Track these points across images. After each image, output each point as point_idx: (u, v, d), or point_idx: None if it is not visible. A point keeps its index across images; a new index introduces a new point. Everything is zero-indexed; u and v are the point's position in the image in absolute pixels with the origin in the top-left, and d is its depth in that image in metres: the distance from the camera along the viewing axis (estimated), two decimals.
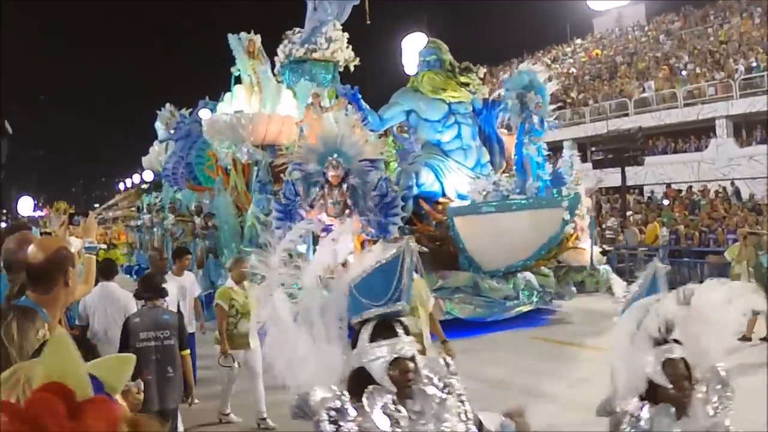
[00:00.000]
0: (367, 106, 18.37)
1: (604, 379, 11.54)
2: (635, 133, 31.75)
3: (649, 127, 37.95)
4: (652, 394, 3.71)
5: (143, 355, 7.05)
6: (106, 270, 8.83)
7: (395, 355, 3.30)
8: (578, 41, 59.42)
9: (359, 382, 3.31)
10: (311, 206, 16.43)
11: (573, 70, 50.79)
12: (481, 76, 20.39)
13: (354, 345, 3.41)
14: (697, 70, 39.59)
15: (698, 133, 38.92)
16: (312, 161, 16.49)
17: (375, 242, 16.21)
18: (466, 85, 19.17)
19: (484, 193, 16.79)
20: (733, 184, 33.77)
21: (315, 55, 22.09)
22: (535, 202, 16.28)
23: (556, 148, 22.52)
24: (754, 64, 36.75)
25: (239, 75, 20.50)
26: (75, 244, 4.85)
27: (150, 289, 7.75)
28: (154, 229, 25.18)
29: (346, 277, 3.56)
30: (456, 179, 18.27)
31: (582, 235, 18.51)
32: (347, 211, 16.36)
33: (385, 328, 3.38)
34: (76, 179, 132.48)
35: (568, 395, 10.96)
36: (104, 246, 25.19)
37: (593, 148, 34.71)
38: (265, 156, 18.72)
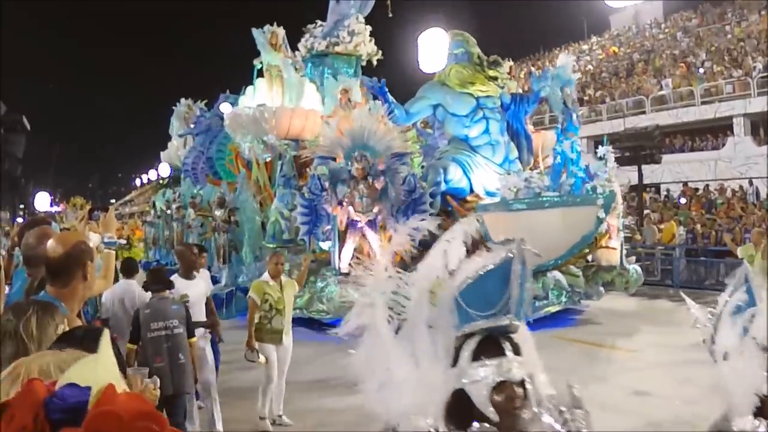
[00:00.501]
0: (394, 100, 17.63)
1: (622, 379, 10.80)
2: (652, 131, 31.12)
3: (666, 125, 37.02)
4: (766, 408, 3.16)
5: (155, 344, 7.44)
6: (128, 268, 9.18)
7: (501, 378, 2.68)
8: (595, 38, 58.59)
9: (458, 406, 2.74)
10: (340, 204, 15.73)
11: (590, 67, 49.96)
12: (507, 70, 19.60)
13: (455, 363, 2.79)
14: (715, 68, 38.79)
15: (715, 132, 38.20)
16: (338, 155, 15.81)
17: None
18: (495, 79, 18.41)
19: (515, 189, 16.02)
20: (751, 183, 33.04)
21: (337, 49, 21.39)
22: (569, 200, 15.52)
23: None
24: None
25: (261, 68, 19.76)
26: (93, 239, 4.74)
27: (158, 281, 8.03)
28: (174, 224, 24.45)
29: (454, 284, 2.89)
30: (484, 175, 17.52)
31: (613, 233, 17.70)
32: (376, 208, 15.66)
33: (491, 346, 2.76)
34: (92, 175, 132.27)
35: (586, 395, 10.36)
36: (124, 241, 24.52)
37: (610, 146, 33.95)
38: (290, 149, 18.01)
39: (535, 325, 15.61)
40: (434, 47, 20.29)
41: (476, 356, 2.74)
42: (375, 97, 18.07)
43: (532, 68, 48.13)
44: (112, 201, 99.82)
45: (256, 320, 9.16)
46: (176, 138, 29.97)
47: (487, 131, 17.89)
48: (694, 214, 26.23)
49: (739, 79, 36.86)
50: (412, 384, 2.82)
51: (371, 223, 15.83)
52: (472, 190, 17.36)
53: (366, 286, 3.19)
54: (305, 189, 16.45)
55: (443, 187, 16.86)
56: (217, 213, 19.11)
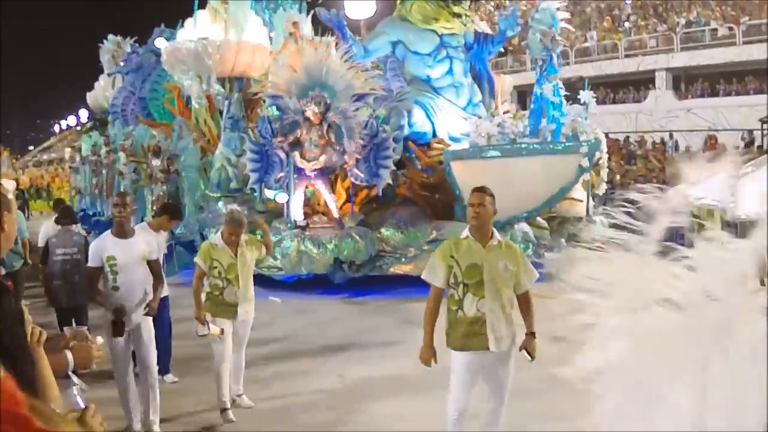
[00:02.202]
0: (352, 35, 15.02)
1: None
2: (575, 82, 29.92)
3: (590, 77, 35.69)
4: None
5: (59, 266, 8.67)
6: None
7: None
8: None
9: None
10: (292, 147, 13.34)
11: None
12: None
13: None
14: (640, 22, 37.53)
15: (638, 85, 37.37)
16: (292, 94, 13.34)
17: (366, 188, 13.12)
18: (459, 16, 16.02)
19: (488, 135, 13.79)
20: (671, 136, 32.27)
21: None
22: (550, 147, 13.36)
23: None
24: (695, 19, 35.00)
25: None
26: (8, 188, 4.47)
27: (66, 217, 9.34)
28: (103, 171, 21.35)
29: None
30: (448, 119, 15.23)
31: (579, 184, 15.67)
32: (323, 156, 13.29)
33: None
34: (9, 121, 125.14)
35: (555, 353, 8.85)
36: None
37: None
38: (234, 90, 15.35)
39: None
40: None
41: None
42: (330, 32, 15.46)
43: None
44: (31, 148, 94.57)
45: (207, 289, 7.10)
46: (103, 78, 26.49)
47: (450, 72, 15.57)
48: (614, 165, 24.94)
49: (663, 33, 35.78)
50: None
51: (320, 172, 13.48)
52: (435, 135, 15.06)
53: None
54: (255, 132, 13.92)
55: (407, 131, 14.50)
56: (154, 163, 16.18)
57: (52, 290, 8.66)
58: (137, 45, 21.56)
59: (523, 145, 13.40)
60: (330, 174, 13.71)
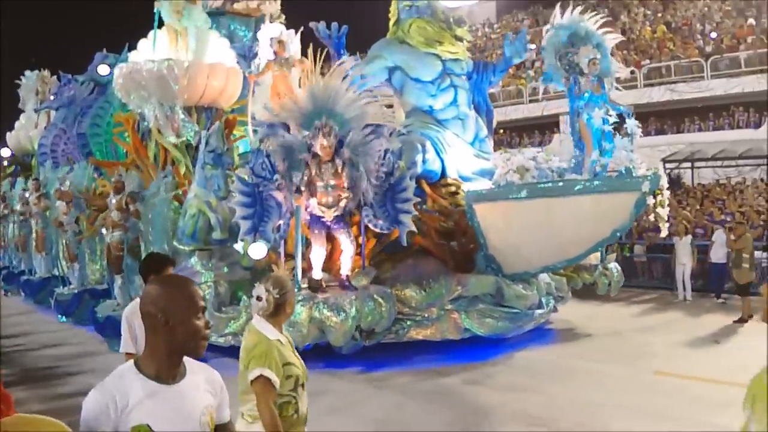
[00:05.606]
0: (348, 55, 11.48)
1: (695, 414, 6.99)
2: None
3: (495, 122, 33.79)
4: None
5: None
6: None
7: None
8: None
9: None
10: (298, 191, 9.70)
11: None
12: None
13: None
14: (544, 68, 35.63)
15: (542, 129, 35.64)
16: (296, 123, 9.76)
17: (374, 237, 9.50)
18: (461, 40, 12.78)
19: (521, 171, 10.54)
20: None
21: (236, 7, 14.95)
22: (605, 184, 10.14)
23: None
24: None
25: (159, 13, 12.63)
26: None
27: None
28: (31, 221, 16.61)
29: None
30: (456, 156, 11.87)
31: None
32: (344, 200, 9.77)
33: None
34: None
35: None
36: None
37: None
38: (202, 120, 11.52)
39: (513, 342, 10.71)
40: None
41: None
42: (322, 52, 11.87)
43: None
44: None
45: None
46: (26, 115, 21.30)
47: (455, 102, 12.24)
48: None
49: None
50: None
51: (339, 220, 9.90)
52: (444, 174, 11.66)
53: None
54: (247, 169, 10.13)
55: (420, 168, 11.03)
56: (112, 200, 11.90)
57: None
58: (70, 77, 16.97)
59: (577, 182, 10.16)
60: (348, 220, 10.10)
